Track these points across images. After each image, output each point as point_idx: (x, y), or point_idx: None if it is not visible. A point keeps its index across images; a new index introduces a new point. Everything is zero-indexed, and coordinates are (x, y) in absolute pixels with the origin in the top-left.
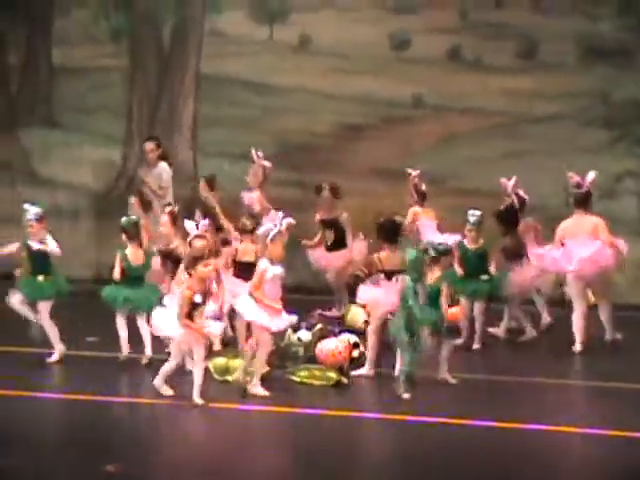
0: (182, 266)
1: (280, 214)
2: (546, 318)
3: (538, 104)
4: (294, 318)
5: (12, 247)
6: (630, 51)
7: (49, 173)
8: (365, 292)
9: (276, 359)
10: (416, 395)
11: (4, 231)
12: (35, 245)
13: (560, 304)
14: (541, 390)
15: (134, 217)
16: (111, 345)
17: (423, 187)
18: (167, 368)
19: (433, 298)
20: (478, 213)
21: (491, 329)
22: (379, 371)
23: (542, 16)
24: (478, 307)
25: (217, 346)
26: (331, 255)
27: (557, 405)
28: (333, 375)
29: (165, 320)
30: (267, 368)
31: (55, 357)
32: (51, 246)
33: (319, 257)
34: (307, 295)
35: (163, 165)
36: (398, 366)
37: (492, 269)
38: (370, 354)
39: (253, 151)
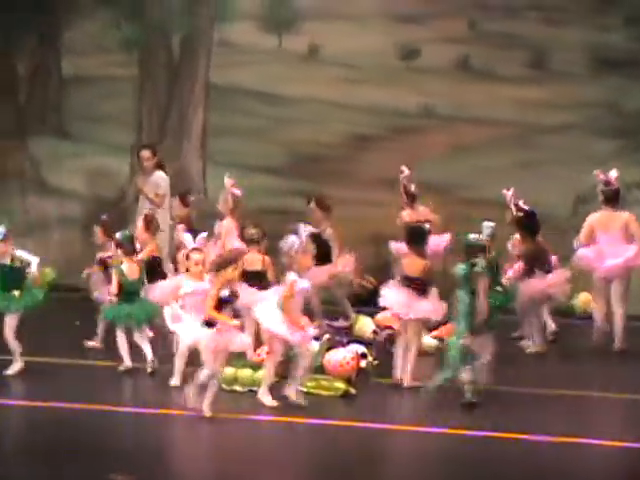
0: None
1: (302, 225)
2: (551, 325)
3: (548, 114)
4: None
5: None
6: None
7: (58, 182)
8: (388, 295)
9: (285, 370)
10: (423, 406)
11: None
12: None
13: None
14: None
15: (127, 232)
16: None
17: (412, 188)
18: (201, 377)
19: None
20: (492, 224)
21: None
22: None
23: (552, 26)
24: None
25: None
26: (313, 270)
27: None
28: (341, 385)
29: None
30: (276, 378)
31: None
32: (25, 257)
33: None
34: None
35: (159, 173)
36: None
37: (509, 278)
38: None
39: (225, 177)
